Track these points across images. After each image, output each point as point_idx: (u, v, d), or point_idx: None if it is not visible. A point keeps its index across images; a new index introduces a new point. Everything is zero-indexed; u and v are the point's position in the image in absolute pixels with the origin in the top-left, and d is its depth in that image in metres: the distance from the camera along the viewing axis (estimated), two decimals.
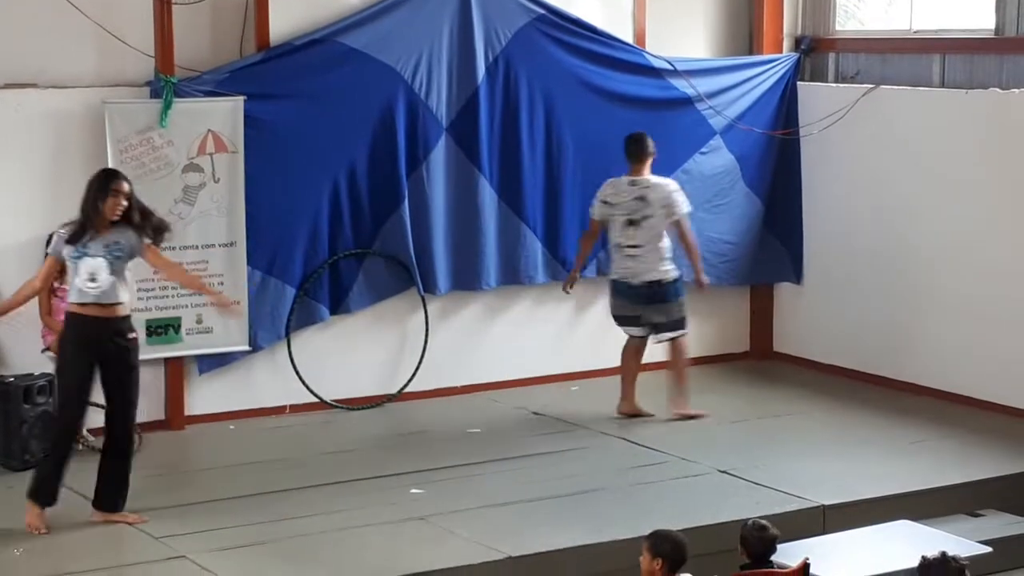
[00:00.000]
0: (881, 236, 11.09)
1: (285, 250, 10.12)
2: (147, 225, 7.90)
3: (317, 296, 10.29)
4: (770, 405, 10.51)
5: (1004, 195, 10.24)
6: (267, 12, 9.95)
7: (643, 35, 11.38)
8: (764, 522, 6.63)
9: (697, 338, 11.57)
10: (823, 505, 8.36)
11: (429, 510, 8.24)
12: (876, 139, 11.09)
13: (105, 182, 7.84)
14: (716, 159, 11.43)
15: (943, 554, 5.90)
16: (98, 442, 9.07)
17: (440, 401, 10.70)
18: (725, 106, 11.43)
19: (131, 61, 9.60)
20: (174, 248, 9.64)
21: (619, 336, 11.45)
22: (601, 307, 11.43)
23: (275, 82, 9.95)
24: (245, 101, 9.82)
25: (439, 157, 10.53)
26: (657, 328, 10.15)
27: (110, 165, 9.40)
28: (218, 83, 9.79)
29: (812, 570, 6.51)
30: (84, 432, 9.27)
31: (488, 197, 10.73)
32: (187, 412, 9.97)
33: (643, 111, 11.14)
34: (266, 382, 10.29)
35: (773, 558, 6.59)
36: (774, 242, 11.81)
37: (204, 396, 10.06)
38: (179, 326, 9.80)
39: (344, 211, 10.28)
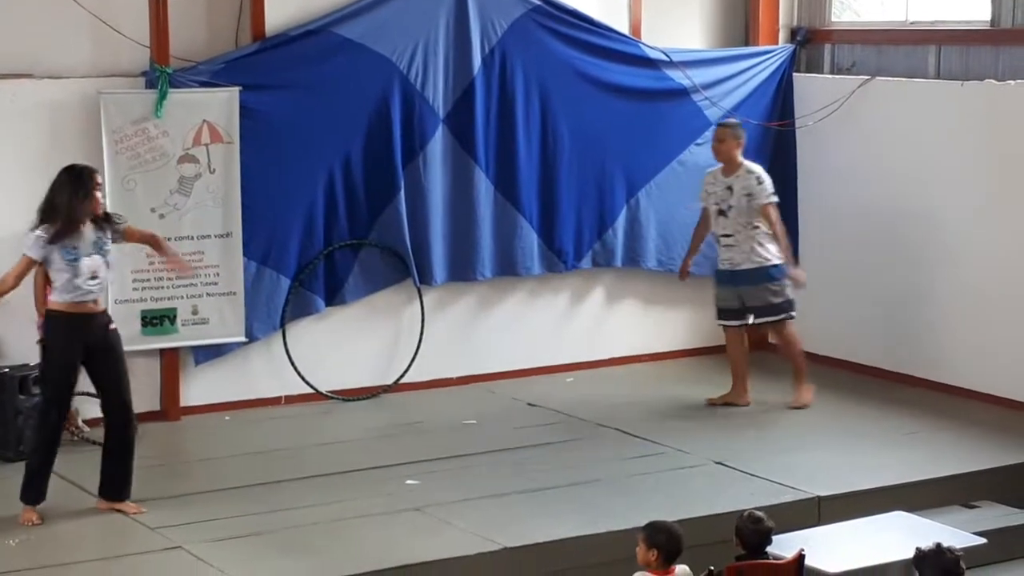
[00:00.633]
0: (876, 227, 11.09)
1: (280, 241, 10.12)
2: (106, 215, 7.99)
3: (313, 287, 10.29)
4: (765, 397, 10.51)
5: (1000, 186, 10.24)
6: (262, 2, 9.94)
7: (639, 26, 11.37)
8: (759, 514, 6.65)
9: (692, 329, 11.60)
10: (818, 496, 8.37)
11: (425, 501, 8.24)
12: (872, 130, 11.09)
13: (85, 179, 7.79)
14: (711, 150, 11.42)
15: (938, 545, 5.91)
16: (93, 433, 9.11)
17: (436, 392, 10.70)
18: (721, 97, 11.42)
19: (126, 51, 9.58)
20: (169, 239, 9.64)
21: (615, 326, 11.50)
22: (597, 298, 11.48)
23: (271, 73, 9.94)
24: (241, 92, 9.81)
25: (435, 148, 10.52)
26: (756, 313, 10.17)
27: (105, 156, 9.41)
28: (213, 73, 9.77)
29: (807, 561, 6.52)
30: (79, 422, 9.31)
31: (484, 188, 10.73)
32: (183, 403, 9.97)
33: (639, 102, 11.15)
34: (262, 373, 10.29)
35: (768, 549, 6.60)
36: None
37: (200, 387, 10.06)
38: (175, 317, 9.79)
39: (340, 202, 10.28)
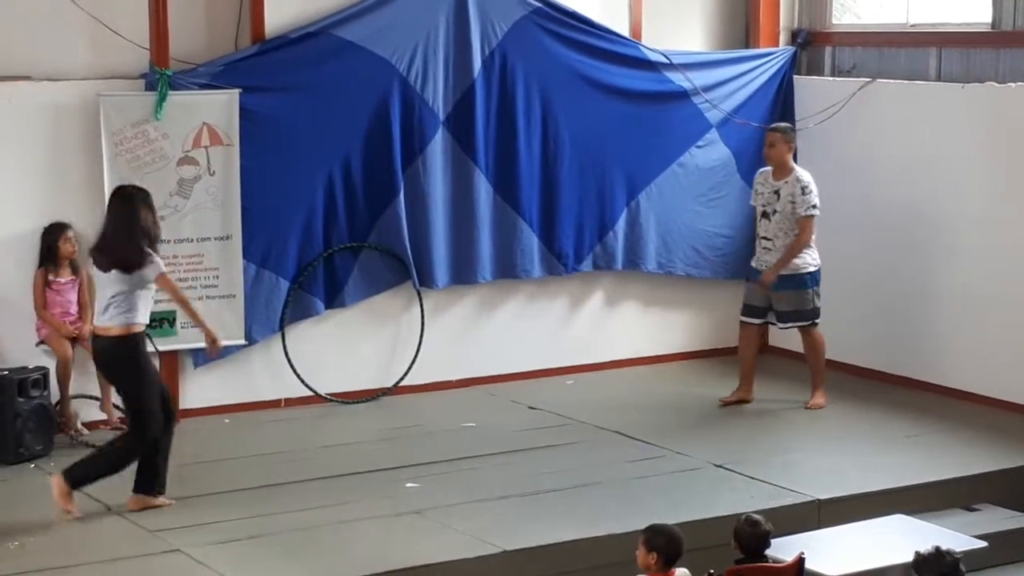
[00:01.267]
0: (877, 230, 11.08)
1: (280, 243, 10.11)
2: None
3: (312, 290, 10.28)
4: (765, 399, 10.50)
5: (1000, 189, 10.23)
6: (262, 5, 9.94)
7: (639, 28, 11.37)
8: (757, 517, 6.65)
9: (692, 332, 11.59)
10: (818, 499, 8.36)
11: (424, 504, 8.23)
12: (872, 133, 11.08)
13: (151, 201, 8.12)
14: (712, 153, 11.42)
15: (937, 548, 5.90)
16: (91, 436, 9.12)
17: (436, 395, 10.69)
18: (721, 100, 11.42)
19: (126, 54, 9.58)
20: (169, 242, 9.65)
21: (615, 329, 11.50)
22: (597, 301, 11.47)
23: (270, 75, 9.93)
24: (240, 94, 9.80)
25: (435, 150, 10.51)
26: (781, 317, 10.22)
27: (105, 158, 9.41)
28: (213, 76, 9.77)
29: (807, 564, 6.51)
30: (78, 425, 9.31)
31: (484, 191, 10.72)
32: (182, 406, 9.95)
33: (639, 104, 11.15)
34: (261, 376, 10.28)
35: (768, 553, 6.60)
36: None
37: (199, 390, 10.05)
38: (174, 320, 9.77)
39: (339, 204, 10.27)
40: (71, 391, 9.30)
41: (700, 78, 11.34)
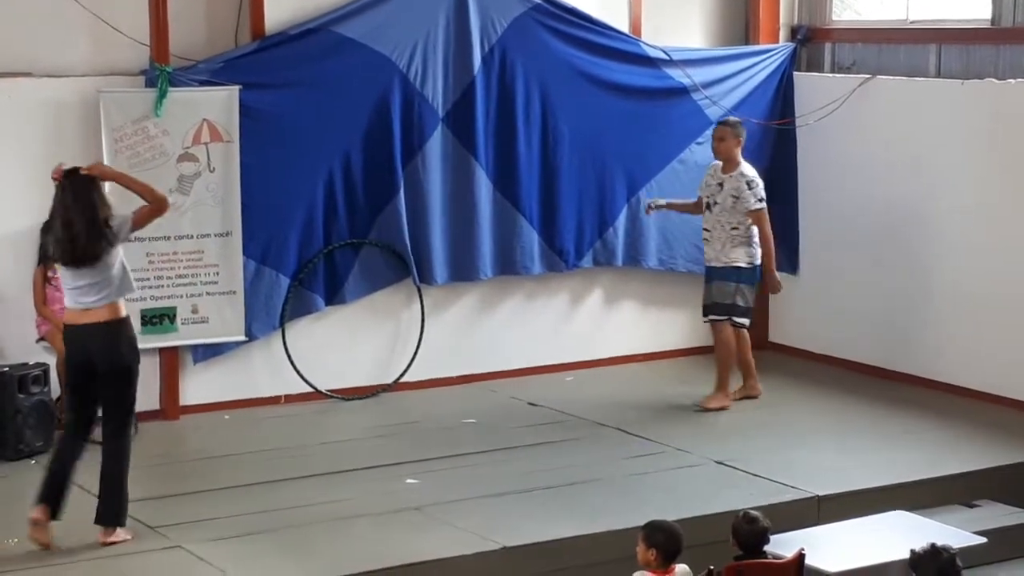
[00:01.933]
0: (877, 226, 11.08)
1: (280, 240, 10.11)
2: None
3: (312, 286, 10.28)
4: (765, 396, 10.50)
5: (999, 185, 10.23)
6: (262, 1, 9.94)
7: (639, 24, 11.37)
8: (755, 513, 6.65)
9: (692, 329, 11.57)
10: (818, 496, 8.36)
11: (424, 500, 8.23)
12: (872, 129, 11.08)
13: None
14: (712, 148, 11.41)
15: (932, 545, 5.88)
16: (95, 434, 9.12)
17: (436, 391, 10.69)
18: (721, 96, 11.41)
19: (126, 50, 9.58)
20: (168, 238, 9.67)
21: (615, 326, 11.51)
22: (597, 298, 11.47)
23: (270, 71, 9.93)
24: (240, 90, 9.80)
25: (435, 147, 10.51)
26: (709, 310, 10.21)
27: (105, 155, 9.41)
28: (213, 72, 9.77)
29: (807, 561, 6.52)
30: None
31: (484, 187, 10.72)
32: (182, 402, 9.97)
33: (639, 101, 11.15)
34: (261, 372, 10.28)
35: (768, 549, 6.60)
36: None
37: (199, 386, 10.05)
38: (174, 316, 9.78)
39: (339, 201, 10.27)
40: None
41: (700, 74, 11.34)
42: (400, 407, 10.34)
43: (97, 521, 7.57)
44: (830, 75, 11.55)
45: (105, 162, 9.35)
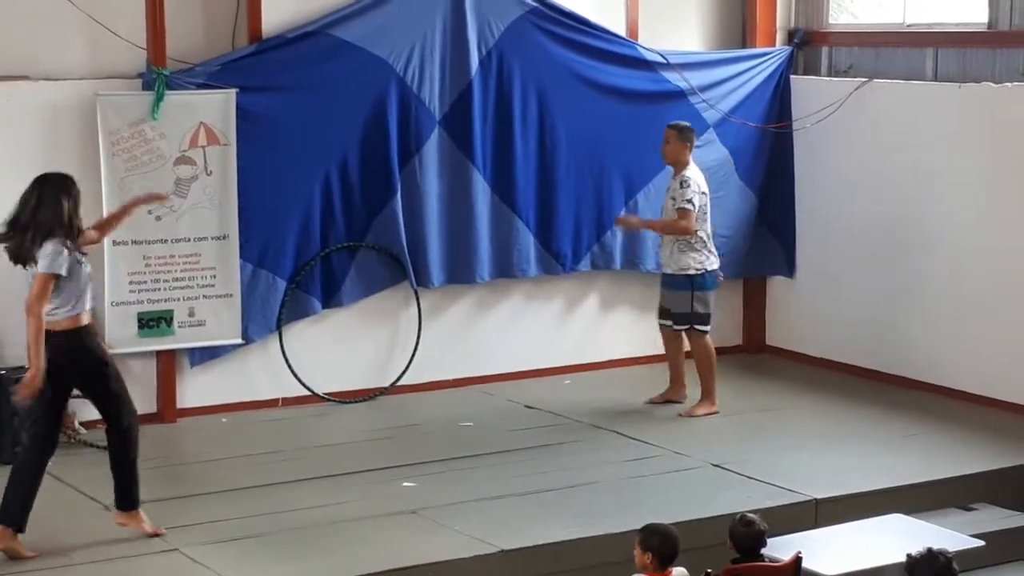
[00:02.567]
0: (874, 230, 11.09)
1: (277, 243, 10.11)
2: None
3: (309, 289, 10.28)
4: (763, 399, 10.51)
5: (997, 189, 10.24)
6: (259, 4, 9.93)
7: (636, 28, 11.37)
8: (751, 516, 6.65)
9: None
10: (815, 499, 8.36)
11: (421, 503, 8.23)
12: (869, 133, 11.09)
13: (75, 188, 7.44)
14: (709, 153, 11.39)
15: (929, 549, 5.86)
16: (89, 435, 9.11)
17: (433, 394, 10.69)
18: (718, 100, 11.42)
19: (123, 53, 9.58)
20: (165, 241, 9.66)
21: (612, 329, 11.52)
22: (594, 301, 11.47)
23: (267, 75, 9.93)
24: (237, 93, 9.80)
25: (432, 150, 10.51)
26: (661, 313, 10.20)
27: (102, 158, 9.41)
28: (210, 75, 9.76)
29: (804, 564, 6.52)
30: (76, 424, 9.29)
31: (481, 190, 10.72)
32: (179, 405, 9.96)
33: (636, 104, 11.15)
34: (258, 375, 10.28)
35: (765, 552, 6.60)
36: (767, 236, 11.81)
37: (196, 389, 10.05)
38: (171, 319, 9.78)
39: (336, 204, 10.27)
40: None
41: (697, 78, 11.34)
42: (397, 410, 10.34)
43: (121, 506, 7.60)
44: (827, 79, 11.56)
45: (102, 165, 9.37)
